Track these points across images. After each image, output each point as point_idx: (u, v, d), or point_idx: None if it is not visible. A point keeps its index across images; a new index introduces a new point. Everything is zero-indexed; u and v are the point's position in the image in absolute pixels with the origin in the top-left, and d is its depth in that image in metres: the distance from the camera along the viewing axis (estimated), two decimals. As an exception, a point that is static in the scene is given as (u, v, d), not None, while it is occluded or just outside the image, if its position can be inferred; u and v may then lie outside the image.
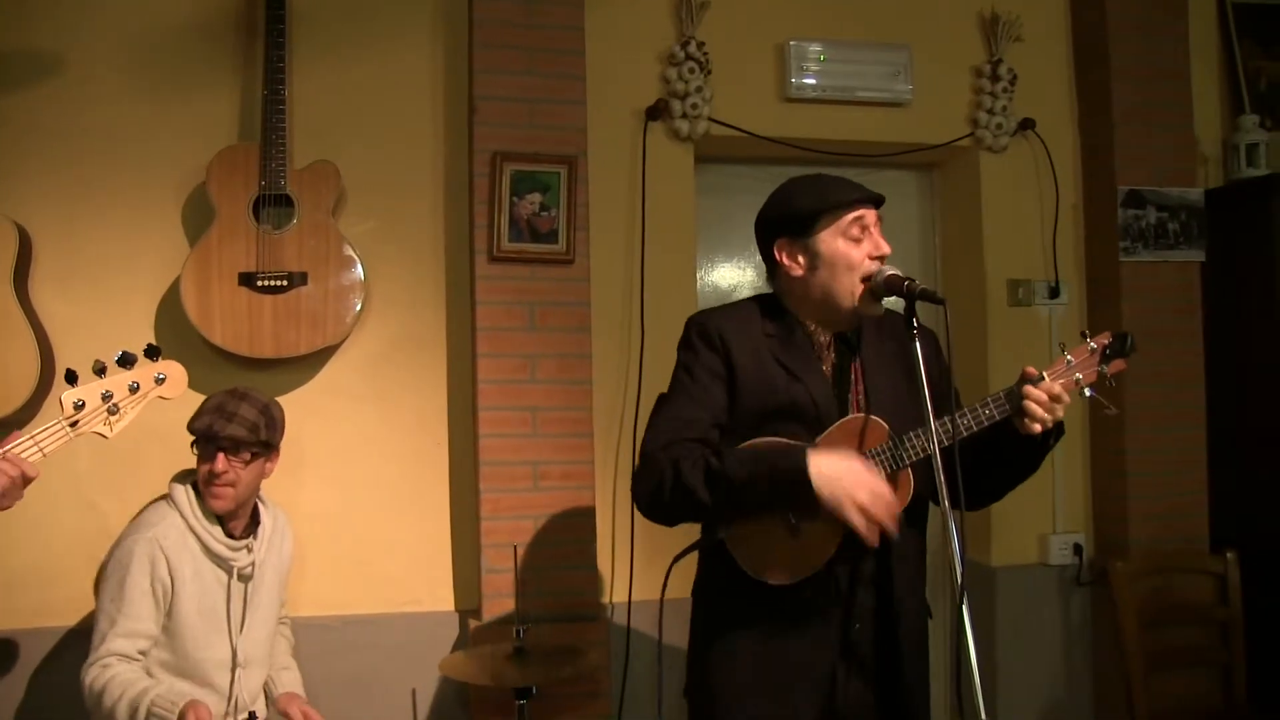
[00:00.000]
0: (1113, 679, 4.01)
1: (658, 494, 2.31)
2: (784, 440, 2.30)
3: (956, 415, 2.28)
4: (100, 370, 2.26)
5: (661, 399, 2.47)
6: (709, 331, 2.43)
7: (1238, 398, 4.09)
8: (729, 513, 2.30)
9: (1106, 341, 2.41)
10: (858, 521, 2.16)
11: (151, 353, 2.32)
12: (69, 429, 2.22)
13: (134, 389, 2.29)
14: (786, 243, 2.43)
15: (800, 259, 2.41)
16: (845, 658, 2.36)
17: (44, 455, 2.19)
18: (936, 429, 2.21)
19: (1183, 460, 4.10)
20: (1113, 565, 3.85)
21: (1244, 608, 3.90)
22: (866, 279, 2.34)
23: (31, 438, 2.17)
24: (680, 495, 2.27)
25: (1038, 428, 2.30)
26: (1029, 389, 2.30)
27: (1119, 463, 4.08)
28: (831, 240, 2.36)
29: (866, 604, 2.37)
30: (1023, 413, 2.30)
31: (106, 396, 2.25)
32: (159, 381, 2.32)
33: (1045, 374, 2.33)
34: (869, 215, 2.38)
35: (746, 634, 2.39)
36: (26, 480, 2.16)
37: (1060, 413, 2.32)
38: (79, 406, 2.23)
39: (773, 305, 2.50)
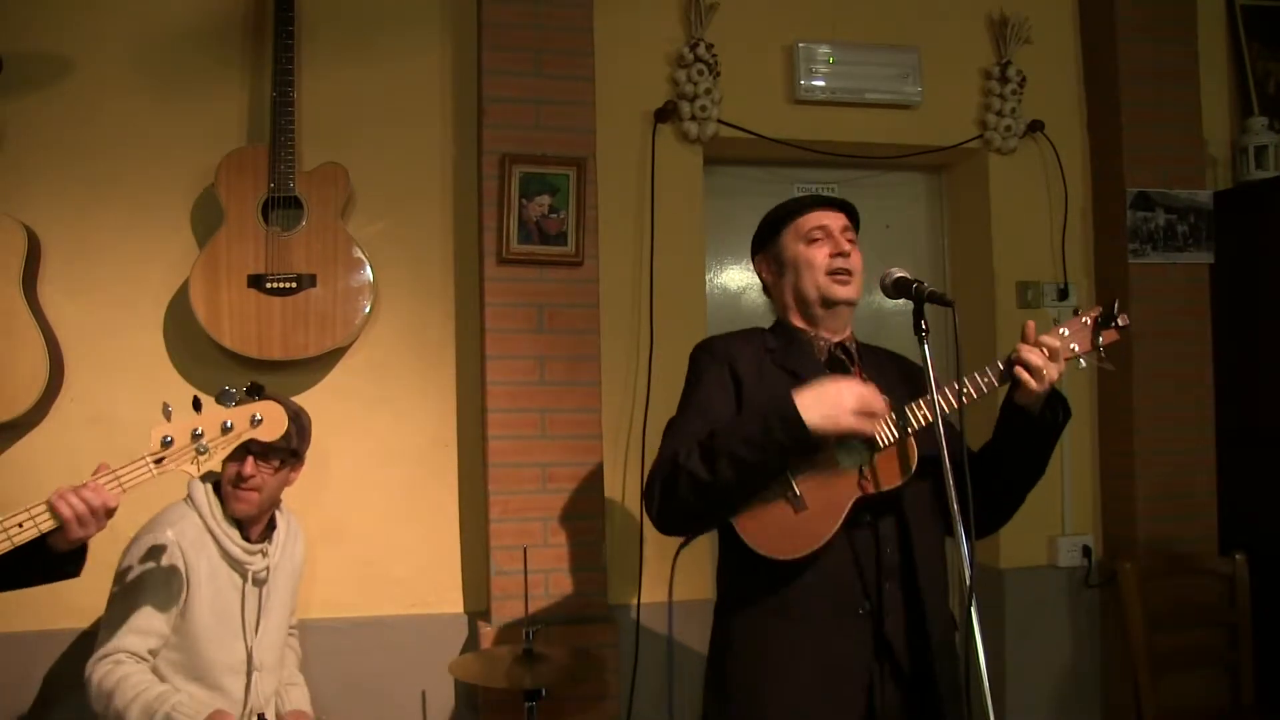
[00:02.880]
0: (1121, 680, 4.01)
1: (666, 495, 2.30)
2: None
3: (955, 383, 2.28)
4: (197, 406, 2.20)
5: (670, 423, 2.46)
6: (713, 347, 2.51)
7: (1246, 399, 4.09)
8: (734, 488, 2.26)
9: (1096, 314, 2.38)
10: (857, 424, 2.19)
11: (254, 391, 2.25)
12: (153, 466, 2.17)
13: (227, 429, 2.21)
14: (762, 257, 2.61)
15: (770, 266, 2.56)
16: (880, 655, 2.33)
17: (123, 490, 2.17)
18: (943, 397, 2.26)
19: (1191, 462, 4.10)
20: (1121, 567, 3.85)
21: (1252, 609, 3.90)
22: (832, 274, 2.43)
23: (114, 474, 2.16)
24: (685, 483, 2.25)
25: (1034, 383, 2.25)
26: (1020, 345, 2.28)
27: (1127, 465, 4.09)
28: (793, 245, 2.50)
29: (895, 600, 2.34)
30: (1022, 365, 2.27)
31: (196, 435, 2.19)
32: (255, 423, 2.24)
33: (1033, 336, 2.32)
34: (832, 221, 2.48)
35: (778, 640, 2.35)
36: (109, 511, 2.16)
37: (1055, 373, 2.27)
38: (167, 444, 2.17)
39: (776, 327, 2.58)
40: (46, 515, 2.14)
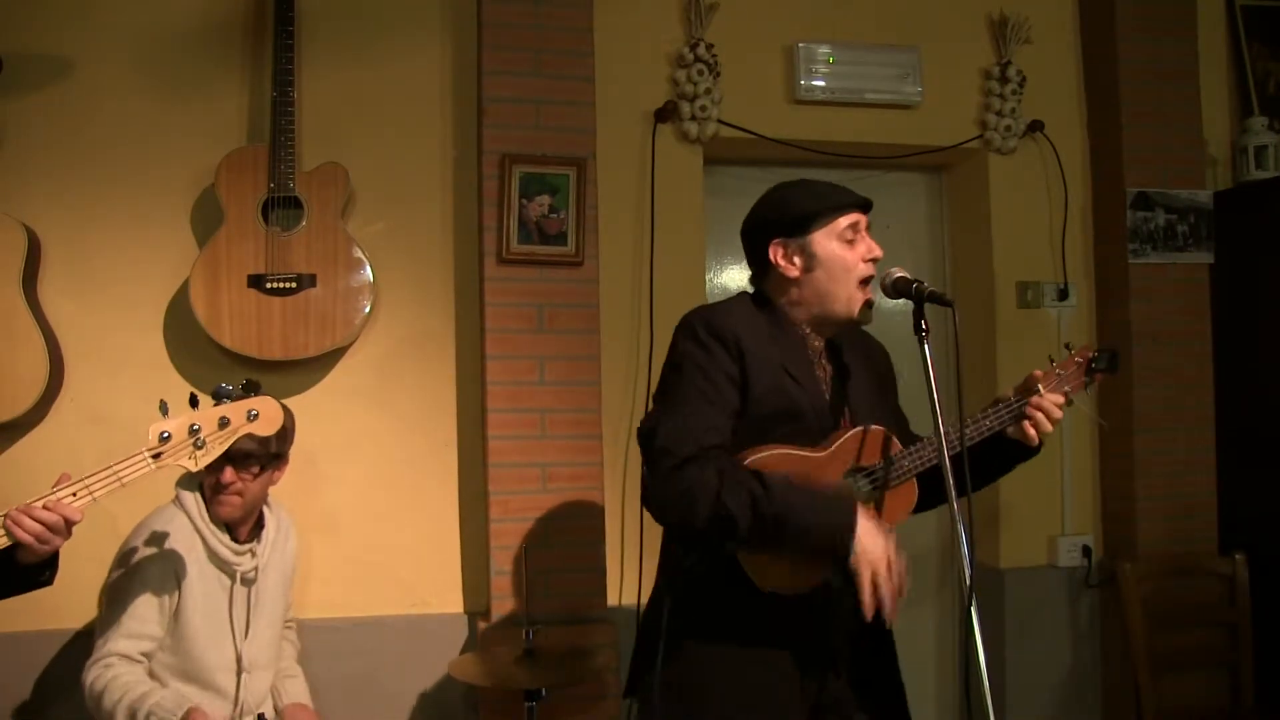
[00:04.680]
0: (1121, 680, 4.02)
1: (690, 513, 2.22)
2: (822, 484, 2.29)
3: (969, 421, 2.36)
4: (193, 403, 2.23)
5: (672, 399, 2.34)
6: (723, 333, 2.34)
7: (1246, 399, 4.09)
8: (755, 545, 2.25)
9: (1090, 355, 2.50)
10: (867, 593, 2.19)
11: (249, 388, 2.28)
12: (151, 461, 2.18)
13: (224, 424, 2.23)
14: (782, 243, 2.42)
15: (796, 260, 2.41)
16: (827, 657, 2.37)
17: (122, 485, 2.16)
18: (933, 440, 2.26)
19: (1191, 462, 4.10)
20: (1121, 567, 3.86)
21: (1252, 609, 3.91)
22: (863, 281, 2.38)
23: (112, 468, 2.16)
24: (719, 521, 2.20)
25: (1035, 436, 2.40)
26: (1038, 399, 2.39)
27: (1127, 465, 4.08)
28: (826, 242, 2.38)
29: (849, 606, 2.31)
30: (1025, 419, 2.40)
31: (194, 431, 2.20)
32: (251, 418, 2.26)
33: (1041, 386, 2.42)
34: (861, 220, 2.42)
35: (730, 633, 2.33)
36: (70, 524, 2.14)
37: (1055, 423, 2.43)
38: (164, 439, 2.19)
39: (765, 304, 2.48)
40: (1, 534, 2.12)
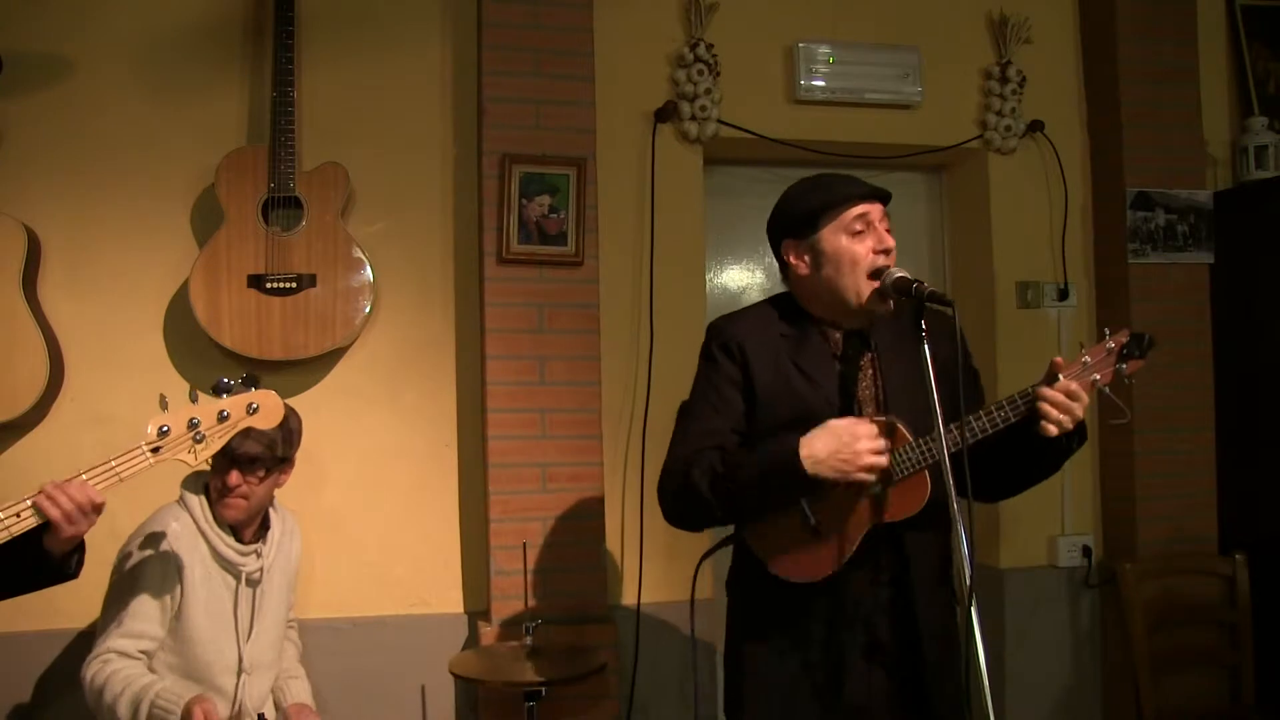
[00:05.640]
0: (1121, 680, 4.01)
1: (675, 504, 2.43)
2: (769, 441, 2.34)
3: (971, 418, 2.30)
4: (193, 398, 2.23)
5: (684, 410, 2.51)
6: (727, 341, 2.46)
7: (1246, 400, 4.08)
8: (741, 515, 2.39)
9: (1124, 340, 2.36)
10: (865, 479, 2.25)
11: (249, 382, 2.28)
12: (150, 455, 2.18)
13: (223, 418, 2.24)
14: (792, 243, 2.45)
15: (805, 258, 2.42)
16: (868, 654, 2.39)
17: (120, 480, 2.17)
18: (948, 434, 2.20)
19: (1191, 462, 4.10)
20: (1121, 567, 3.86)
21: (1252, 609, 3.90)
22: (874, 274, 2.35)
23: (109, 463, 2.16)
24: (692, 502, 2.37)
25: (1054, 430, 2.27)
26: (1043, 390, 2.27)
27: (1128, 465, 4.08)
28: (834, 237, 2.37)
29: (884, 600, 2.39)
30: (1039, 414, 2.28)
31: (193, 424, 2.21)
32: (251, 412, 2.27)
33: (1061, 374, 2.30)
34: (873, 211, 2.39)
35: (771, 633, 2.43)
36: (96, 507, 2.15)
37: (1079, 412, 2.28)
38: (163, 433, 2.19)
39: (789, 305, 2.51)
40: (31, 513, 2.13)
